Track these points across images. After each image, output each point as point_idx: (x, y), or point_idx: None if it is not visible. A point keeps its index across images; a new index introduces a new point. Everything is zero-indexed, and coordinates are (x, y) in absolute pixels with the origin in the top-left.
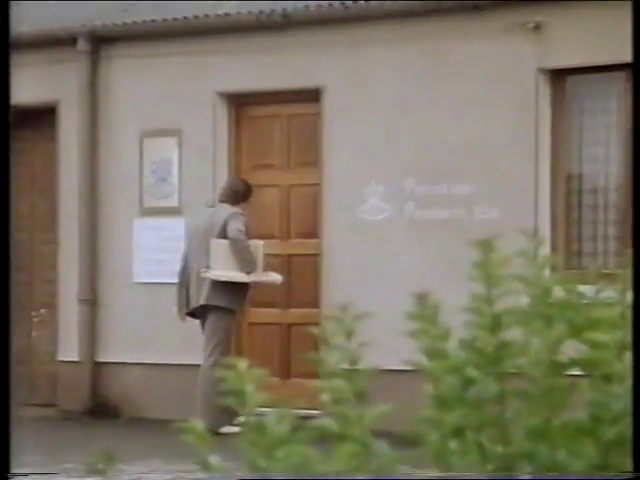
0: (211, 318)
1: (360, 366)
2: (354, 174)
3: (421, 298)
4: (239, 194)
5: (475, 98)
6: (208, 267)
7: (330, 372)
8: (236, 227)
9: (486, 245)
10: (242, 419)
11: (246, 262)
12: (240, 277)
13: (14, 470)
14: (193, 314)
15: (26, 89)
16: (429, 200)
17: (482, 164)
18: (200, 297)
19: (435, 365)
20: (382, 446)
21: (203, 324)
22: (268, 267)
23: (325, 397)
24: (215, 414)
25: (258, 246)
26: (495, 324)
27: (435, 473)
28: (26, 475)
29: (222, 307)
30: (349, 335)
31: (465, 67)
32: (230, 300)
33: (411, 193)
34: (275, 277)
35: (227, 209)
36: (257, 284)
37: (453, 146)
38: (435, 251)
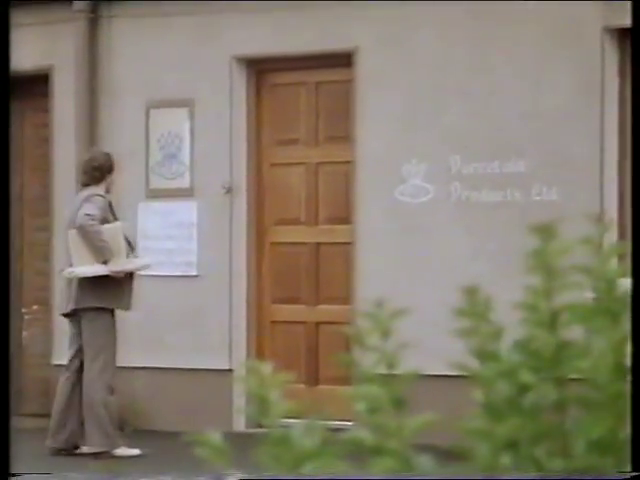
0: (85, 322)
1: (398, 370)
2: (392, 150)
3: (470, 292)
4: (103, 169)
5: (531, 63)
6: (71, 264)
7: (364, 377)
8: (84, 212)
9: (546, 230)
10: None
11: (98, 251)
12: (97, 270)
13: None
14: (68, 316)
15: (15, 54)
16: (478, 180)
17: (539, 138)
18: (70, 300)
19: (485, 369)
20: (425, 461)
21: (78, 329)
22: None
23: (358, 406)
24: (74, 430)
25: (117, 229)
26: (554, 322)
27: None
28: (26, 475)
29: (94, 308)
30: (385, 335)
31: (520, 27)
32: (103, 298)
33: (458, 172)
34: (142, 262)
35: (87, 191)
36: (118, 274)
37: (506, 118)
38: (485, 238)
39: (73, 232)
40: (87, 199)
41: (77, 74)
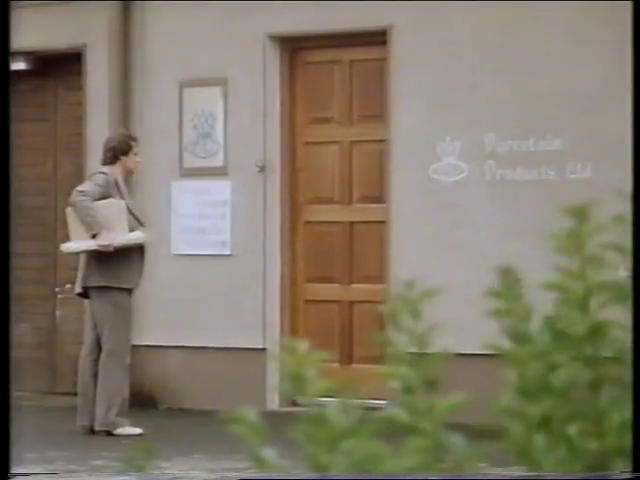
0: (94, 301)
1: (431, 350)
2: (426, 129)
3: (504, 272)
4: (115, 150)
5: (566, 39)
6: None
7: (396, 357)
8: (77, 188)
9: (580, 212)
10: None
11: (88, 225)
12: (86, 244)
13: (15, 469)
14: (81, 295)
15: (48, 31)
16: (513, 158)
17: (574, 116)
18: (80, 278)
19: (519, 348)
20: (457, 440)
21: (90, 308)
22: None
23: (394, 385)
24: (104, 409)
25: (111, 205)
26: (586, 301)
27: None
28: (27, 475)
29: (101, 286)
30: (416, 315)
31: (554, 5)
32: (109, 276)
33: (492, 150)
34: (132, 236)
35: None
36: (106, 248)
37: (541, 95)
38: (520, 217)
39: (70, 209)
40: (89, 177)
41: (110, 52)
